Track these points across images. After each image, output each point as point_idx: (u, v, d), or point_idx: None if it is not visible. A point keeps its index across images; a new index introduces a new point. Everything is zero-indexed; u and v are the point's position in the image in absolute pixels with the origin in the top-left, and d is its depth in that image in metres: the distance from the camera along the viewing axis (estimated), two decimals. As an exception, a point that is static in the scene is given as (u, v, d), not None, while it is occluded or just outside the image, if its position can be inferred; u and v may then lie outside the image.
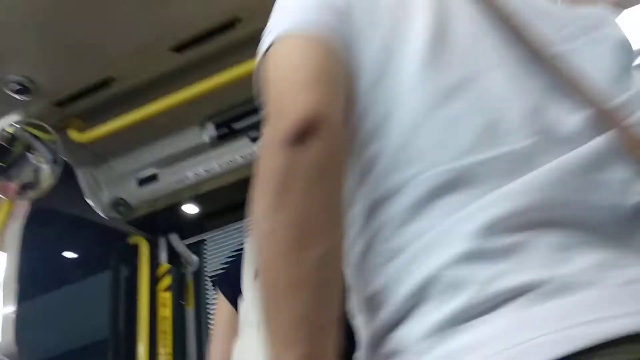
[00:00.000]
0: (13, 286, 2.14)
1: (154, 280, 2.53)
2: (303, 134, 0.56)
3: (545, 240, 0.56)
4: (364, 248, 0.64)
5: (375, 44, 0.66)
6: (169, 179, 2.34)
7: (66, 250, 2.47)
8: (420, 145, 0.61)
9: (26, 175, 2.03)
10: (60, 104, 2.00)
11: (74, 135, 2.06)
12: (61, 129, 2.05)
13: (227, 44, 1.91)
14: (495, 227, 0.56)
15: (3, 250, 2.22)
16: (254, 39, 1.89)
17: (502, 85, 0.64)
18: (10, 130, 2.00)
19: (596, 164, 0.60)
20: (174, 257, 2.70)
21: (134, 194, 2.37)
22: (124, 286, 2.53)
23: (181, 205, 2.51)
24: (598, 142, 0.60)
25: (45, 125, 1.98)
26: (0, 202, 2.05)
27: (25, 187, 2.04)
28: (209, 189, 2.39)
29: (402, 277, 0.58)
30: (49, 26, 1.67)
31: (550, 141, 0.61)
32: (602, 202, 0.59)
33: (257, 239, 0.58)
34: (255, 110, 2.19)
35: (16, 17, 1.61)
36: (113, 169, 2.35)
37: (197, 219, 2.64)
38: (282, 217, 0.55)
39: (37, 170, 2.03)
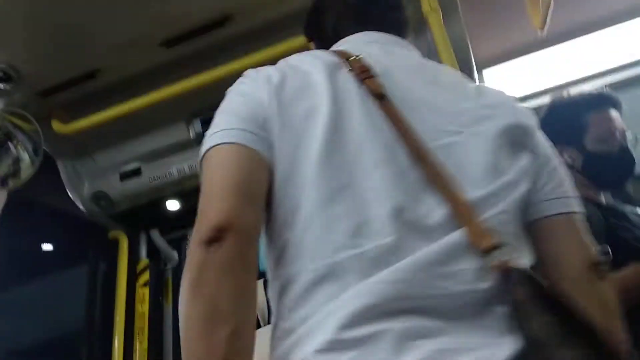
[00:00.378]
0: (-12, 277, 2.10)
1: (133, 276, 2.50)
2: (215, 238, 0.69)
3: (396, 330, 0.64)
4: (274, 322, 0.75)
5: (286, 147, 0.79)
6: (152, 174, 2.31)
7: (44, 242, 2.42)
8: (310, 241, 0.73)
9: (5, 165, 1.99)
10: (44, 94, 1.97)
11: (57, 126, 2.02)
12: (44, 120, 2.01)
13: (218, 41, 1.90)
14: (355, 318, 0.65)
15: (-22, 240, 2.18)
16: (245, 36, 1.90)
17: (377, 186, 0.75)
18: (-9, 118, 1.96)
19: (450, 256, 0.70)
20: (154, 252, 2.67)
21: (115, 187, 2.34)
22: (102, 280, 2.51)
23: (163, 201, 2.48)
24: (452, 237, 0.71)
25: (27, 115, 1.95)
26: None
27: (4, 177, 2.00)
28: (192, 185, 2.36)
29: (287, 357, 0.69)
30: (36, 14, 1.64)
31: (413, 237, 0.71)
32: (455, 289, 0.69)
33: (180, 320, 0.69)
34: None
35: (2, 3, 1.58)
36: (95, 161, 2.32)
37: (178, 215, 2.61)
38: (196, 304, 0.67)
39: (17, 160, 1.99)
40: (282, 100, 0.83)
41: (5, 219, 2.20)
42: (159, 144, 2.26)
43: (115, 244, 2.52)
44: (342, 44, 1.01)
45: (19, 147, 1.99)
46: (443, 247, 0.70)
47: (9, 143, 1.99)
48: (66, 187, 2.31)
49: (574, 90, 1.85)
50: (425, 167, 0.76)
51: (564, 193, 0.85)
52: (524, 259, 0.76)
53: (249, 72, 0.92)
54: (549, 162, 0.87)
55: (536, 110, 2.10)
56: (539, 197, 0.84)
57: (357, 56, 0.89)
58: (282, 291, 0.75)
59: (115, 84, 2.00)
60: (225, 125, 0.82)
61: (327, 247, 0.72)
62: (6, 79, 1.84)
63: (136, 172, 2.33)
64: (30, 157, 1.99)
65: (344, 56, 0.90)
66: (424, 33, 1.97)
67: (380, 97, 0.83)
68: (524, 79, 2.35)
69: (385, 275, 0.68)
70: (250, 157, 0.78)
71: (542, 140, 0.90)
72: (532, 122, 0.89)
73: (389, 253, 0.70)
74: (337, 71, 0.87)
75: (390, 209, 0.72)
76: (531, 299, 0.65)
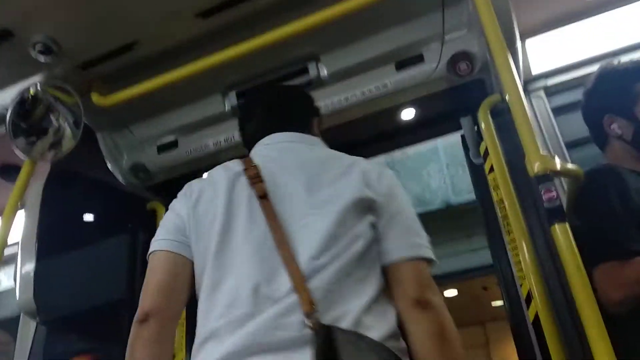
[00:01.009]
0: (33, 245, 2.17)
1: (171, 246, 2.55)
2: (143, 319, 1.14)
3: None
4: None
5: (199, 249, 1.21)
6: (189, 147, 2.33)
7: (85, 212, 2.49)
8: (203, 312, 1.14)
9: (47, 137, 2.03)
10: (84, 66, 1.99)
11: (96, 98, 2.05)
12: (84, 92, 2.04)
13: (254, 10, 1.88)
14: (225, 358, 1.04)
15: (24, 210, 2.25)
16: (279, 7, 1.87)
17: (245, 272, 1.11)
18: (32, 91, 2.00)
19: (285, 314, 1.05)
20: (190, 223, 2.71)
21: (153, 160, 2.37)
22: (141, 249, 2.56)
23: (199, 173, 2.50)
24: (290, 302, 1.06)
25: (68, 88, 1.97)
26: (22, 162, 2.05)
27: (46, 149, 2.04)
28: (227, 157, 2.37)
29: None
30: None
31: (265, 304, 1.07)
32: (287, 335, 1.03)
33: None
34: (277, 81, 2.17)
35: None
36: (133, 134, 2.35)
37: (214, 187, 2.64)
38: None
39: (58, 132, 2.03)
40: (196, 213, 1.24)
41: (48, 190, 2.27)
42: (195, 116, 2.28)
43: (153, 214, 2.57)
44: (255, 147, 1.46)
45: (60, 119, 2.02)
46: (282, 309, 1.06)
47: (51, 116, 2.03)
48: (105, 159, 2.35)
49: (624, 59, 1.77)
50: (282, 250, 1.11)
51: (402, 241, 1.19)
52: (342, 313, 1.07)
53: (182, 190, 1.38)
54: (392, 217, 1.20)
55: (584, 78, 2.03)
56: (385, 246, 1.18)
57: (252, 165, 1.29)
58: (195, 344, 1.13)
59: (153, 56, 2.01)
60: (159, 236, 1.26)
61: (210, 317, 1.10)
62: (47, 52, 1.87)
63: (173, 145, 2.35)
64: (71, 129, 2.02)
65: (246, 164, 1.31)
66: (466, 1, 1.91)
67: (262, 197, 1.20)
68: (570, 47, 2.25)
69: (244, 331, 1.05)
70: (174, 260, 1.21)
71: (388, 198, 1.23)
72: (383, 188, 1.23)
73: (248, 317, 1.06)
74: (237, 179, 1.27)
75: (251, 288, 1.09)
76: (323, 349, 0.98)
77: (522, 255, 1.79)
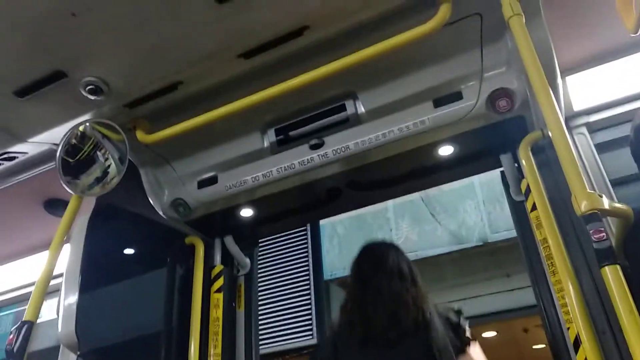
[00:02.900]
0: (76, 278, 2.22)
1: (208, 281, 2.57)
2: None
3: None
4: None
5: None
6: (228, 182, 2.37)
7: (126, 246, 2.54)
8: None
9: (94, 173, 2.10)
10: (130, 105, 2.07)
11: (141, 136, 2.12)
12: (129, 130, 2.12)
13: (294, 51, 1.92)
14: None
15: (69, 243, 2.32)
16: (320, 47, 1.92)
17: None
18: (81, 128, 2.09)
19: None
20: (228, 258, 2.74)
21: (193, 195, 2.42)
22: (179, 284, 2.59)
23: (238, 209, 2.54)
24: None
25: (115, 125, 2.05)
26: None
27: (92, 184, 2.11)
28: (265, 193, 2.41)
29: None
30: (127, 31, 1.73)
31: None
32: None
33: None
34: (315, 119, 2.21)
35: (96, 21, 1.68)
36: (175, 170, 2.41)
37: (252, 222, 2.67)
38: None
39: (104, 168, 2.10)
40: None
41: (92, 224, 2.33)
42: (235, 153, 2.32)
43: (191, 249, 2.60)
44: None
45: (106, 156, 2.10)
46: None
47: (98, 152, 2.11)
48: (147, 195, 2.41)
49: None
50: None
51: None
52: None
53: None
54: None
55: (627, 115, 1.99)
56: None
57: None
58: None
59: (195, 95, 2.08)
60: None
61: None
62: (97, 91, 1.95)
63: (213, 180, 2.40)
64: (116, 165, 2.09)
65: None
66: (504, 38, 1.91)
67: None
68: (612, 84, 2.22)
69: None
70: None
71: None
72: None
73: None
74: None
75: None
76: None
77: (569, 297, 1.72)
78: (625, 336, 1.18)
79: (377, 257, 2.13)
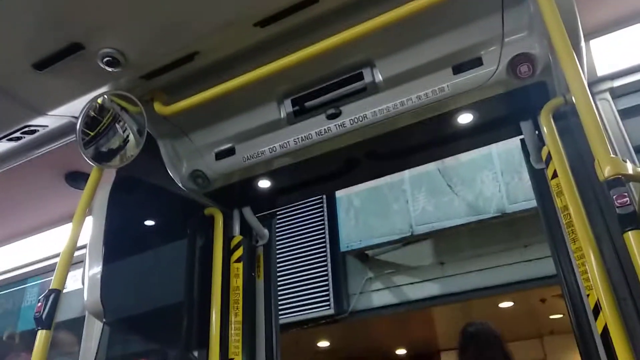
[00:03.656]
0: (100, 249, 2.27)
1: (227, 251, 2.61)
2: None
3: None
4: None
5: None
6: (246, 153, 2.38)
7: (147, 218, 2.58)
8: None
9: (114, 145, 2.13)
10: (147, 77, 2.07)
11: (158, 107, 2.13)
12: (146, 102, 2.13)
13: (310, 18, 1.90)
14: None
15: (92, 215, 2.36)
16: (336, 14, 1.89)
17: None
18: (100, 100, 2.10)
19: None
20: (246, 229, 2.77)
21: (211, 166, 2.43)
22: (199, 255, 2.63)
23: (256, 180, 2.55)
24: None
25: (133, 97, 2.06)
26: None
27: (112, 156, 2.14)
28: (283, 164, 2.41)
29: None
30: (142, 1, 1.72)
31: None
32: None
33: None
34: (331, 88, 2.19)
35: None
36: (192, 142, 2.42)
37: (269, 193, 2.69)
38: None
39: (123, 140, 2.12)
40: None
41: (113, 196, 2.37)
42: (252, 124, 2.32)
43: (210, 220, 2.63)
44: None
45: (125, 128, 2.11)
46: None
47: (117, 124, 2.13)
48: (166, 166, 2.43)
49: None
50: None
51: None
52: None
53: None
54: None
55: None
56: None
57: None
58: None
59: (212, 66, 2.07)
60: None
61: None
62: (114, 63, 1.96)
63: (230, 152, 2.40)
64: (135, 137, 2.11)
65: None
66: (526, 2, 1.86)
67: None
68: (637, 48, 2.15)
69: None
70: None
71: None
72: None
73: None
74: None
75: None
76: None
77: (590, 264, 1.71)
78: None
79: (482, 342, 2.27)
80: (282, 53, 1.93)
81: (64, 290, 1.95)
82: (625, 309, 1.76)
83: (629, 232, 1.22)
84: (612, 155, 1.31)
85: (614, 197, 1.26)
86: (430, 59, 2.03)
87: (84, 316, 3.28)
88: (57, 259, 2.00)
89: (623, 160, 1.33)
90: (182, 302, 2.49)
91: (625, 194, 1.25)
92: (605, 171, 1.28)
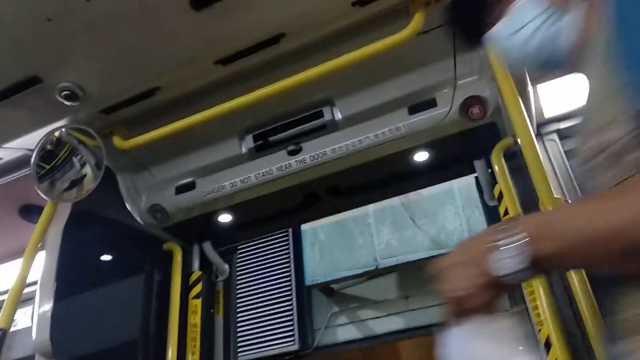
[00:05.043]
0: (51, 285, 2.20)
1: (186, 287, 2.56)
2: None
3: None
4: None
5: None
6: (206, 188, 2.37)
7: (103, 253, 2.52)
8: None
9: (69, 178, 2.09)
10: (107, 111, 2.06)
11: (118, 142, 2.11)
12: (105, 135, 2.11)
13: (271, 58, 1.94)
14: None
15: (44, 250, 2.29)
16: (297, 54, 1.94)
17: None
18: (57, 134, 2.07)
19: None
20: (206, 264, 2.74)
21: (171, 201, 2.41)
22: (157, 290, 2.58)
23: (216, 214, 2.54)
24: None
25: (91, 131, 2.04)
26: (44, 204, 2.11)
27: (67, 190, 2.10)
28: (244, 199, 2.42)
29: None
30: (102, 37, 1.72)
31: None
32: None
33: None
34: (292, 125, 2.22)
35: (72, 26, 1.67)
36: (152, 176, 2.40)
37: (230, 228, 2.67)
38: None
39: (80, 174, 2.09)
40: None
41: (68, 230, 2.31)
42: (213, 158, 2.33)
43: (169, 255, 2.59)
44: None
45: (82, 161, 2.08)
46: None
47: (74, 158, 2.10)
48: (125, 200, 2.40)
49: None
50: None
51: None
52: None
53: None
54: None
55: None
56: None
57: None
58: None
59: (173, 101, 2.08)
60: None
61: None
62: (73, 97, 1.93)
63: (191, 186, 2.40)
64: (92, 171, 2.08)
65: None
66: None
67: None
68: (582, 93, 2.28)
69: None
70: None
71: None
72: None
73: None
74: None
75: None
76: None
77: (540, 299, 1.76)
78: (590, 339, 1.22)
79: None
80: (243, 90, 1.96)
81: (15, 328, 1.87)
82: (576, 344, 1.81)
83: (572, 271, 1.27)
84: (555, 196, 1.37)
85: (557, 236, 1.31)
86: (387, 99, 2.09)
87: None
88: (4, 296, 1.93)
89: (566, 200, 1.40)
90: (137, 340, 2.42)
91: (567, 233, 1.30)
92: (549, 211, 1.34)
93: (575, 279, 1.27)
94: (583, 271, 1.27)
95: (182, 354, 2.41)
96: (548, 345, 1.82)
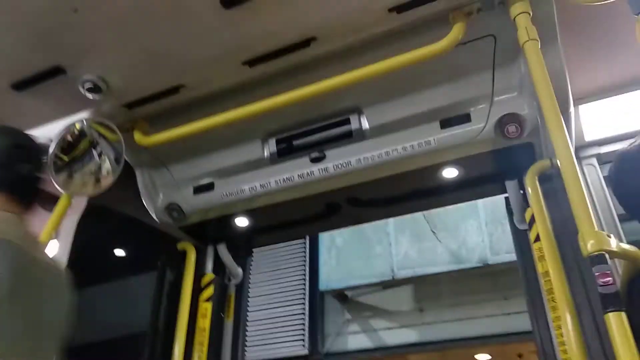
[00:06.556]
0: (62, 276, 2.16)
1: (197, 289, 2.51)
2: None
3: None
4: None
5: None
6: (225, 190, 2.31)
7: (116, 247, 2.49)
8: None
9: (87, 172, 2.05)
10: (129, 106, 2.02)
11: (139, 137, 2.07)
12: (126, 130, 2.07)
13: (300, 61, 1.87)
14: None
15: (57, 240, 2.26)
16: (327, 58, 1.87)
17: None
18: (78, 126, 2.04)
19: None
20: (219, 267, 2.68)
21: (188, 201, 2.36)
22: (168, 289, 2.54)
23: (233, 217, 2.48)
24: None
25: (112, 125, 2.00)
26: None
27: (85, 183, 2.06)
28: (262, 204, 2.35)
29: None
30: (129, 30, 1.68)
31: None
32: None
33: None
34: (317, 131, 2.15)
35: (99, 18, 1.63)
36: (172, 174, 2.36)
37: (246, 232, 2.61)
38: None
39: (98, 168, 2.05)
40: None
41: (83, 223, 2.28)
42: (234, 161, 2.27)
43: (183, 255, 2.55)
44: None
45: (102, 155, 2.05)
46: None
47: (93, 151, 2.06)
48: (142, 197, 2.36)
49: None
50: None
51: None
52: None
53: None
54: None
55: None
56: None
57: None
58: None
59: (197, 100, 2.03)
60: None
61: None
62: (96, 90, 1.90)
63: (209, 187, 2.34)
64: (111, 165, 2.04)
65: None
66: (517, 62, 1.86)
67: None
68: (626, 115, 2.15)
69: None
70: None
71: None
72: None
73: None
74: None
75: None
76: None
77: (568, 336, 1.65)
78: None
79: None
80: (269, 93, 1.89)
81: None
82: None
83: (610, 314, 1.17)
84: (596, 230, 1.27)
85: (597, 274, 1.20)
86: (419, 111, 2.00)
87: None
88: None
89: (608, 235, 1.29)
90: (144, 337, 2.38)
91: (608, 272, 1.20)
92: (589, 246, 1.24)
93: (613, 322, 1.16)
94: (623, 315, 1.16)
95: (188, 356, 2.35)
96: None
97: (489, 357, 7.77)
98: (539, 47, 1.59)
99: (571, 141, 1.67)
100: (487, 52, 1.84)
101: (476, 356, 7.71)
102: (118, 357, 2.43)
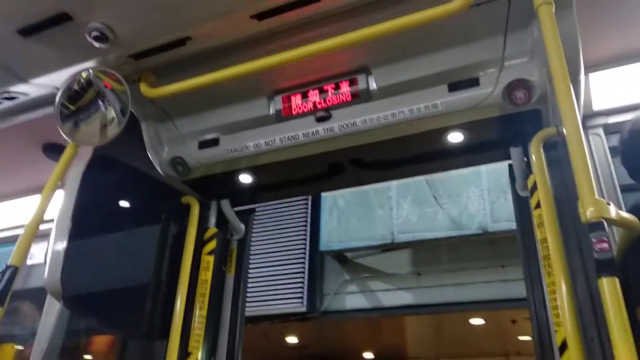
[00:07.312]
0: (67, 225, 2.20)
1: (200, 242, 2.55)
2: None
3: None
4: None
5: None
6: (229, 146, 2.32)
7: (121, 199, 2.51)
8: None
9: (93, 122, 2.06)
10: (136, 57, 2.00)
11: (145, 89, 2.06)
12: (133, 82, 2.06)
13: (310, 16, 1.85)
14: None
15: (63, 190, 2.29)
16: (337, 15, 1.84)
17: None
18: (84, 75, 2.03)
19: None
20: (222, 222, 2.71)
21: (193, 155, 2.37)
22: (171, 242, 2.57)
23: (237, 173, 2.50)
24: None
25: (119, 76, 1.99)
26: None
27: (91, 133, 2.07)
28: (266, 162, 2.36)
29: None
30: None
31: None
32: None
33: None
34: (325, 89, 2.14)
35: None
36: (177, 127, 2.36)
37: (250, 188, 2.63)
38: None
39: (104, 118, 2.05)
40: None
41: (88, 173, 2.30)
42: (239, 116, 2.26)
43: (186, 209, 2.57)
44: None
45: (108, 106, 2.05)
46: None
47: (99, 101, 2.06)
48: (147, 150, 2.36)
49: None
50: None
51: None
52: None
53: None
54: None
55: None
56: None
57: None
58: None
59: (204, 53, 2.01)
60: None
61: None
62: (102, 39, 1.89)
63: (214, 142, 2.34)
64: (117, 116, 2.04)
65: None
66: (530, 26, 1.83)
67: None
68: (636, 87, 2.13)
69: None
70: None
71: None
72: None
73: None
74: None
75: None
76: None
77: (561, 300, 1.69)
78: (614, 351, 1.15)
79: None
80: (277, 48, 1.87)
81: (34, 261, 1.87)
82: (592, 350, 1.74)
83: (603, 278, 1.19)
84: (596, 197, 1.28)
85: (594, 240, 1.22)
86: (427, 74, 1.98)
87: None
88: (19, 231, 1.93)
89: (607, 203, 1.30)
90: (146, 290, 2.43)
91: (605, 238, 1.21)
92: (588, 213, 1.25)
93: (606, 287, 1.18)
94: (616, 280, 1.19)
95: (189, 308, 2.42)
96: (563, 347, 1.75)
97: (483, 321, 7.94)
98: (553, 11, 1.56)
99: (579, 110, 1.67)
100: (501, 15, 1.81)
101: (470, 320, 7.88)
102: (121, 307, 2.48)
